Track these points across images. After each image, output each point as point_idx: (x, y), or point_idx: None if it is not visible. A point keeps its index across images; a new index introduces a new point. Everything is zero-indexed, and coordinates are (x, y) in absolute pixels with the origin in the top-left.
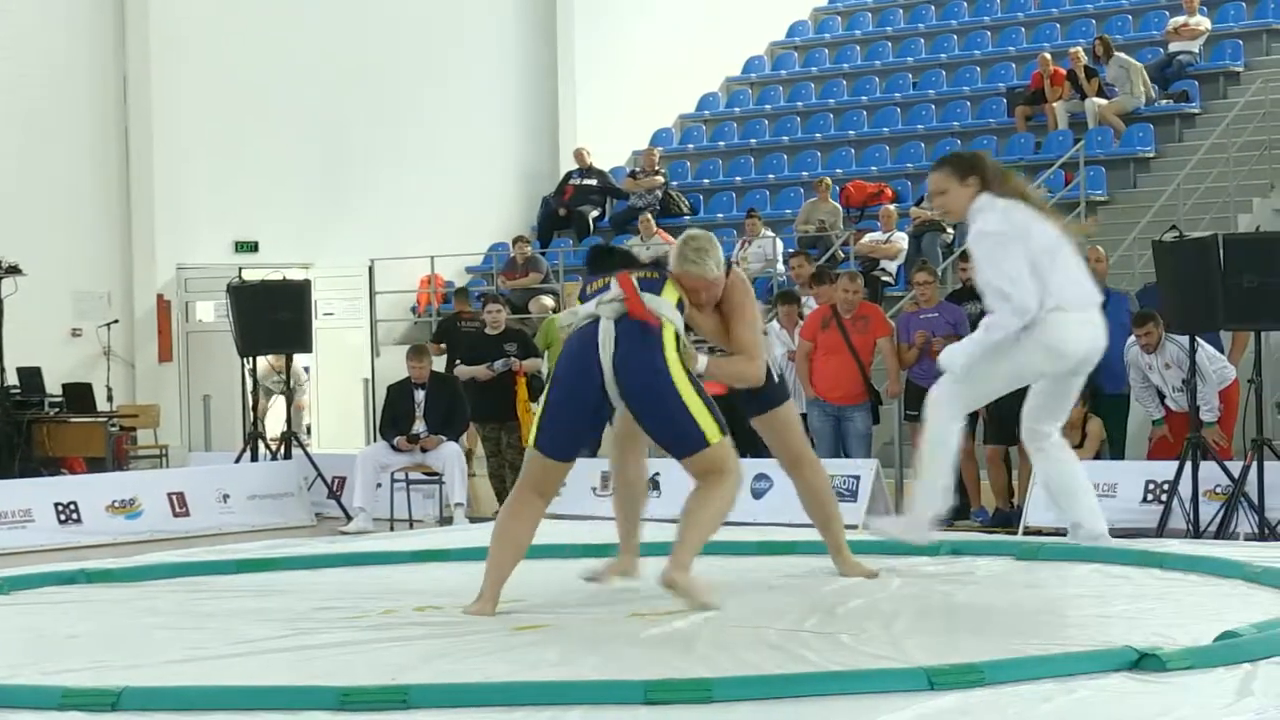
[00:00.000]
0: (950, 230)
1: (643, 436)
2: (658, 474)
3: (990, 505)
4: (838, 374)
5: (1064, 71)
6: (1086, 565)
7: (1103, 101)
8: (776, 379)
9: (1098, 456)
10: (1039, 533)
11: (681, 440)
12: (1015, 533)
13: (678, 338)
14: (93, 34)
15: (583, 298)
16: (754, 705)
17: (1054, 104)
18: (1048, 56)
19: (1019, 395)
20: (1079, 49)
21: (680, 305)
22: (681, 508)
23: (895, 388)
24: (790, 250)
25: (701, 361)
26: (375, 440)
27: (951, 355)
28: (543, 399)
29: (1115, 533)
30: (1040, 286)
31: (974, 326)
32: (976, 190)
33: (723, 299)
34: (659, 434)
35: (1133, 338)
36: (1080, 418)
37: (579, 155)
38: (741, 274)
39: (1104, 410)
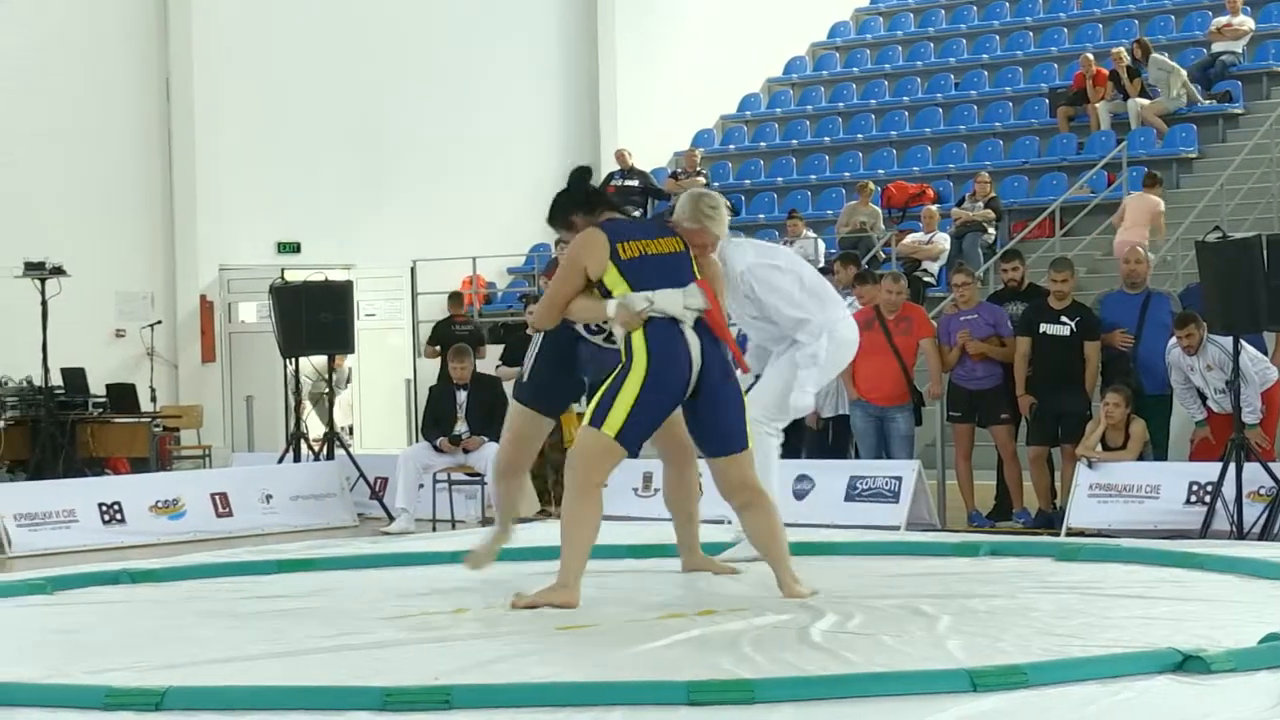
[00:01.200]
0: (992, 231)
1: (541, 436)
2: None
3: (1033, 506)
4: (880, 375)
5: (1106, 72)
6: (1129, 566)
7: (1145, 102)
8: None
9: (1140, 458)
10: (1081, 534)
11: (730, 439)
12: (1058, 534)
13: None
14: (135, 36)
15: (616, 259)
16: (796, 706)
17: (1096, 104)
18: (1090, 57)
19: (1064, 396)
20: (1121, 49)
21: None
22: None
23: (937, 389)
24: (832, 252)
25: (611, 306)
26: (417, 441)
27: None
28: (631, 395)
29: (1159, 534)
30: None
31: (1016, 325)
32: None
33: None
34: (715, 430)
35: (1174, 339)
36: (1124, 419)
37: (620, 156)
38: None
39: (1147, 412)
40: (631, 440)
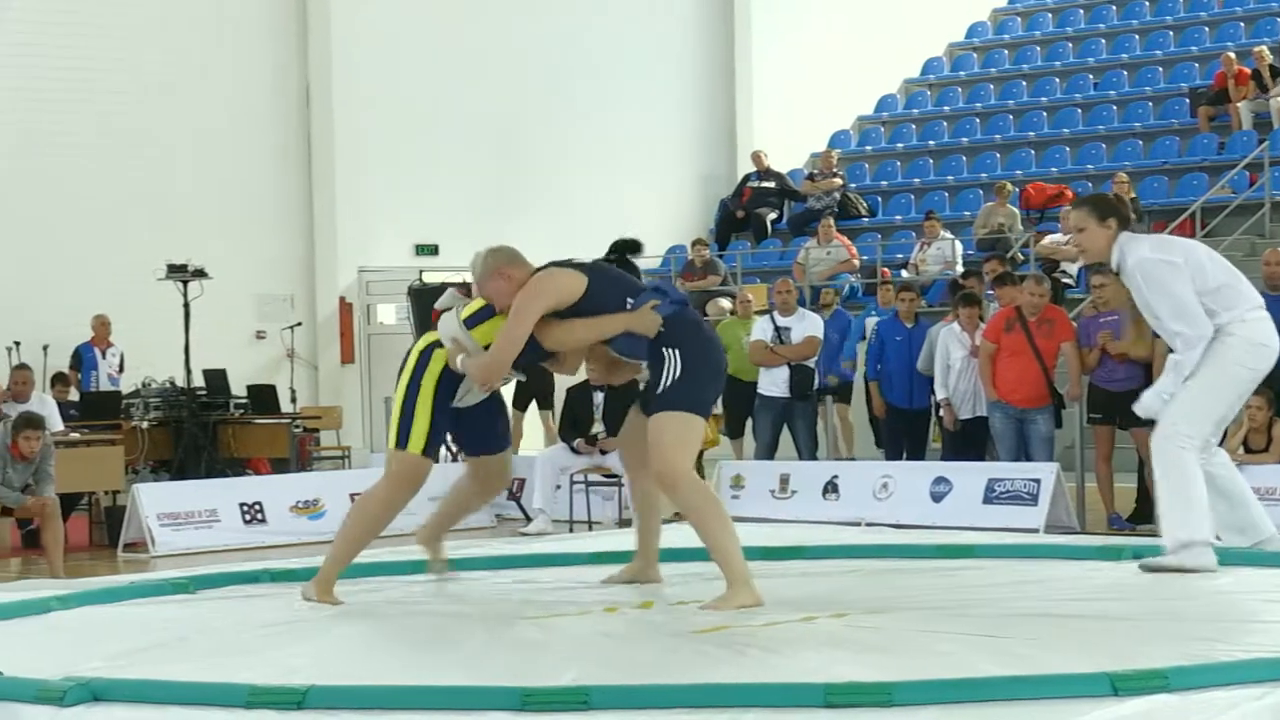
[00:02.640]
0: None
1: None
2: (836, 476)
3: None
4: (1021, 376)
5: (1248, 71)
6: (1273, 570)
7: None
8: (662, 388)
9: None
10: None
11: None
12: None
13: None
14: (276, 42)
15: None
16: (935, 710)
17: (1238, 104)
18: (1231, 55)
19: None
20: (1263, 47)
21: (482, 313)
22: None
23: (1076, 391)
24: (969, 253)
25: (459, 360)
26: (555, 442)
27: (1149, 404)
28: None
29: None
30: (1207, 307)
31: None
32: (1116, 231)
33: None
34: None
35: None
36: (1266, 422)
37: (757, 158)
38: (539, 275)
39: None
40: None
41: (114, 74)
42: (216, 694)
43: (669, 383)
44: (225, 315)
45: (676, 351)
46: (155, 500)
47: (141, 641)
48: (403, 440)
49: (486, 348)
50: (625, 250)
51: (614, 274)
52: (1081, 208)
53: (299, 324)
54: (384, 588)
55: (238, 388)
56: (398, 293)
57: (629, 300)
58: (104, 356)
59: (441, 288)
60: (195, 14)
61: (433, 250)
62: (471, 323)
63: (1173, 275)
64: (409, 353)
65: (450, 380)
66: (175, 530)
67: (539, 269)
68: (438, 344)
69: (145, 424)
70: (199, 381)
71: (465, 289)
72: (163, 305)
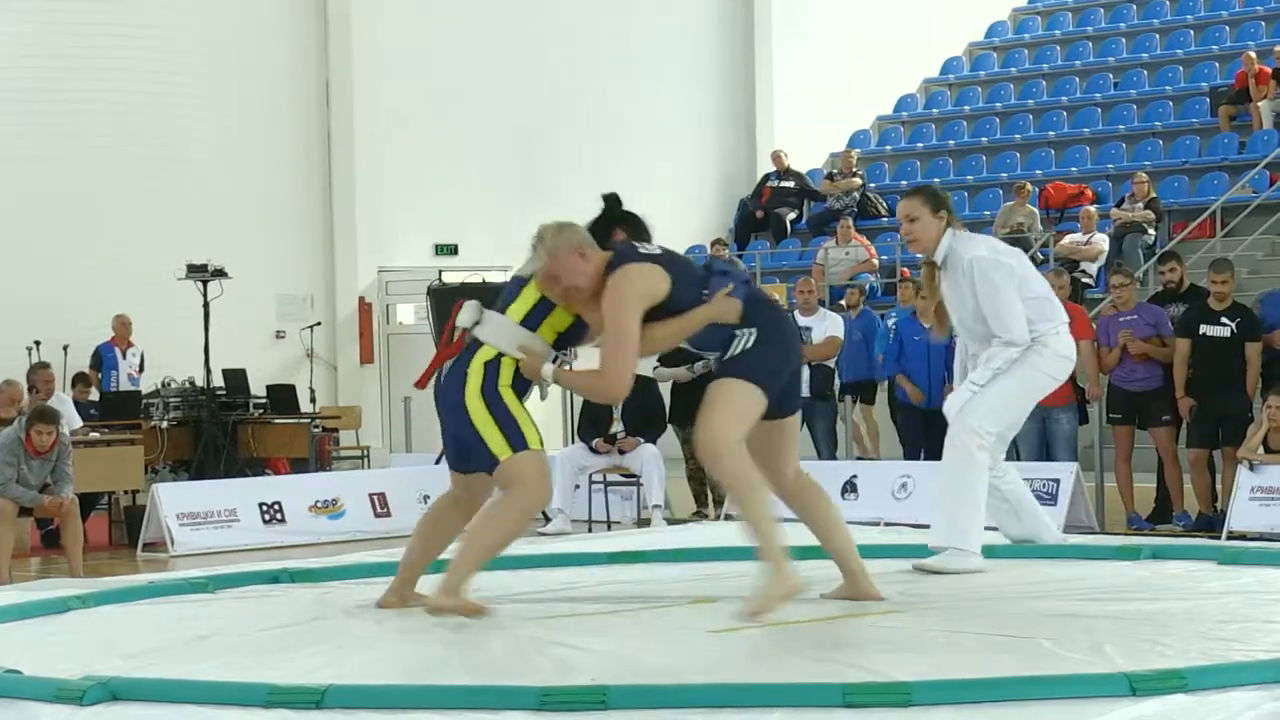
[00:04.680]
0: (1152, 232)
1: (777, 442)
2: (855, 476)
3: (1193, 510)
4: None
5: (1269, 70)
6: None
7: None
8: (730, 354)
9: None
10: (1243, 537)
11: (485, 461)
12: (1218, 537)
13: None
14: (295, 42)
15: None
16: (953, 709)
17: (1259, 103)
18: (1252, 55)
19: (1225, 399)
20: None
21: (540, 308)
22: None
23: (1096, 390)
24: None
25: (547, 369)
26: (574, 442)
27: (953, 402)
28: None
29: None
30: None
31: (1176, 326)
32: (946, 224)
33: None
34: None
35: None
36: None
37: (776, 158)
38: (625, 271)
39: None
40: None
41: (132, 74)
42: (235, 693)
43: (737, 351)
44: (245, 315)
45: (752, 333)
46: (174, 500)
47: (160, 641)
48: (517, 443)
49: (556, 344)
50: (617, 206)
51: (682, 262)
52: (915, 197)
53: (318, 324)
54: None
55: (257, 388)
56: (417, 293)
57: (703, 293)
58: (124, 356)
59: (460, 288)
60: (215, 14)
61: (452, 250)
62: (530, 323)
63: (1007, 277)
64: (463, 368)
65: (522, 386)
66: (194, 530)
67: (612, 260)
68: (500, 355)
69: (165, 424)
70: (218, 381)
71: (480, 292)
72: (182, 305)
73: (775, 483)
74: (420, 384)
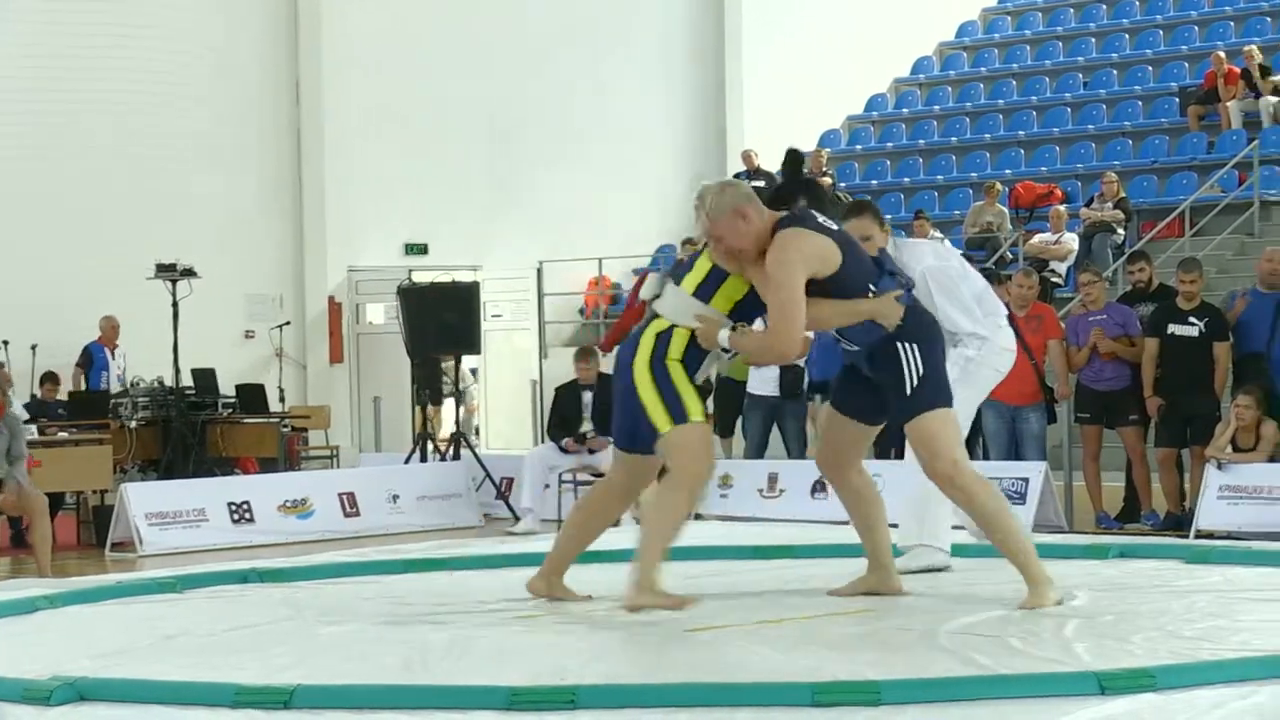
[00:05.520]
0: (1121, 231)
1: (853, 441)
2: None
3: (1161, 509)
4: (1012, 373)
5: (1238, 70)
6: (1260, 569)
7: (1275, 99)
8: (909, 388)
9: (1272, 460)
10: (1211, 536)
11: (651, 436)
12: (1187, 536)
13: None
14: (265, 40)
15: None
16: (922, 708)
17: (1228, 103)
18: (1221, 55)
19: (1193, 398)
20: (1253, 47)
21: (713, 277)
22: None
23: (1065, 390)
24: (959, 251)
25: (724, 334)
26: (543, 441)
27: None
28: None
29: None
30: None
31: (1145, 326)
32: (888, 236)
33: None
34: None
35: None
36: (1255, 421)
37: (747, 157)
38: (797, 233)
39: (1278, 412)
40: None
41: (102, 74)
42: (203, 693)
43: (915, 382)
44: (214, 315)
45: (915, 347)
46: (143, 499)
47: (128, 641)
48: (678, 414)
49: (733, 314)
50: (798, 166)
51: (857, 247)
52: (865, 216)
53: (288, 323)
54: (372, 587)
55: (226, 387)
56: (387, 292)
57: (871, 286)
58: (113, 356)
59: (430, 287)
60: (184, 13)
61: (422, 250)
62: (704, 294)
63: (958, 280)
64: (635, 339)
65: (694, 359)
66: (163, 530)
67: (784, 220)
68: (673, 327)
69: (133, 423)
70: (188, 381)
71: (449, 292)
72: (151, 305)
73: (842, 477)
74: (605, 347)
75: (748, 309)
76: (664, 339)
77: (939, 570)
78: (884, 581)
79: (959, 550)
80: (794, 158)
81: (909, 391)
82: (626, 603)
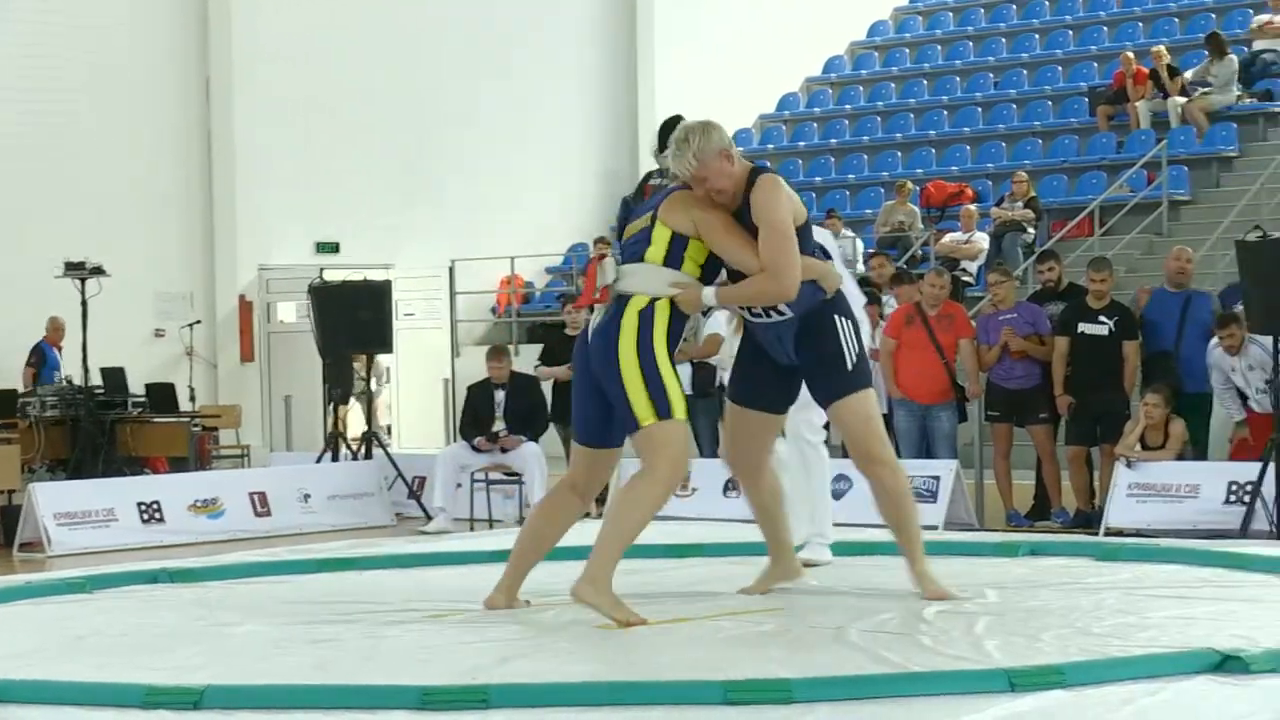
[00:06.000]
0: (1031, 230)
1: (763, 434)
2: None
3: (1071, 506)
4: (922, 371)
5: (1146, 70)
6: (1168, 566)
7: (1182, 100)
8: (851, 363)
9: (1180, 457)
10: (1120, 533)
11: (627, 423)
12: (1096, 534)
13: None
14: (175, 37)
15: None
16: (834, 706)
17: (1136, 103)
18: (1130, 55)
19: (1102, 396)
20: (1161, 47)
21: (678, 243)
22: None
23: (976, 388)
24: (870, 250)
25: (708, 293)
26: (455, 440)
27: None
28: None
29: (1198, 534)
30: None
31: (1055, 325)
32: None
33: (751, 211)
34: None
35: (1215, 339)
36: (1163, 419)
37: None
38: (771, 178)
39: (1186, 411)
40: (573, 428)
41: (8, 70)
42: (112, 694)
43: (854, 358)
44: (123, 313)
45: (849, 323)
46: (52, 499)
47: (37, 642)
48: (663, 409)
49: (701, 278)
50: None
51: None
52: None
53: (198, 322)
54: (283, 587)
55: (136, 386)
56: (298, 290)
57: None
58: (61, 355)
59: (342, 286)
60: (92, 7)
61: (334, 248)
62: (672, 263)
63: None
64: (615, 321)
65: (676, 333)
66: (72, 530)
67: (754, 168)
68: (655, 300)
69: (42, 423)
70: (97, 380)
71: (361, 291)
72: (60, 303)
73: (753, 475)
74: (579, 305)
75: (711, 271)
76: (647, 317)
77: (823, 565)
78: (788, 570)
79: (885, 549)
80: (671, 124)
81: (849, 367)
82: (576, 593)
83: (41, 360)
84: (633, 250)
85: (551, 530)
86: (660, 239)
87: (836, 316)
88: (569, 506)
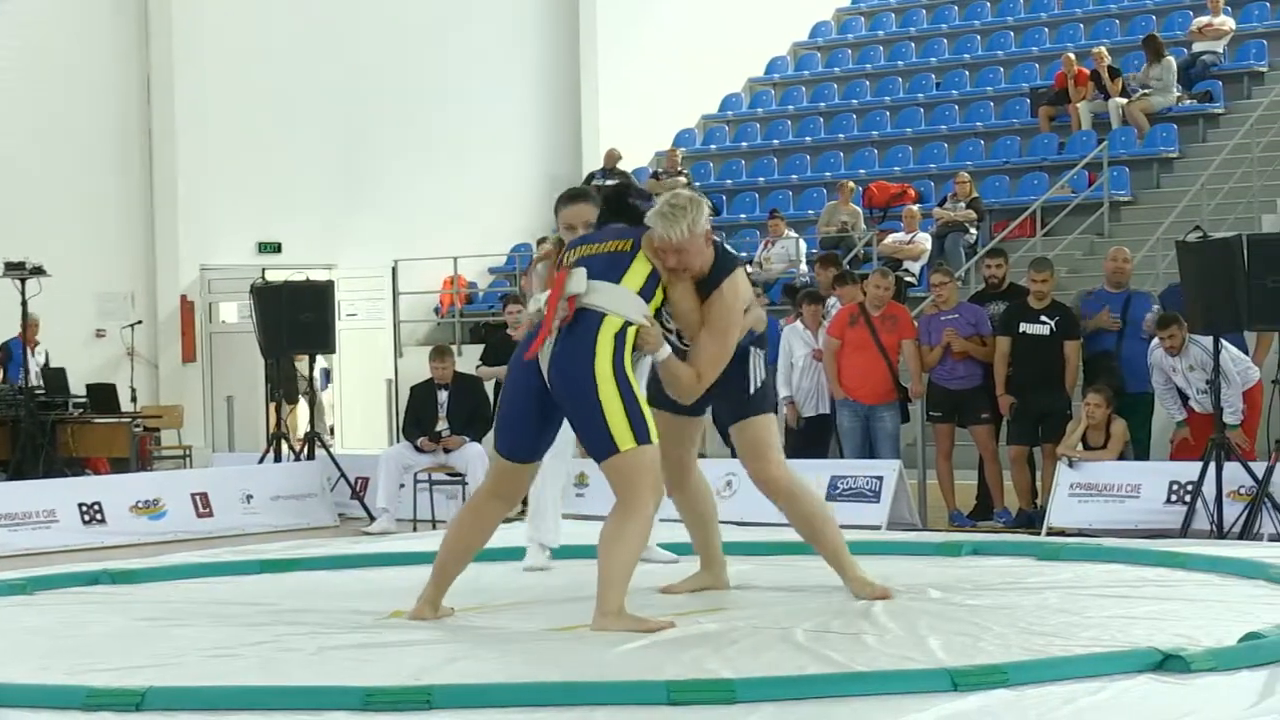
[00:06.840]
0: (974, 231)
1: (682, 438)
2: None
3: (1013, 506)
4: (866, 372)
5: (1087, 71)
6: (1110, 566)
7: (1123, 101)
8: (753, 389)
9: (1121, 457)
10: (1062, 533)
11: (596, 445)
12: (1038, 533)
13: (628, 326)
14: (115, 36)
15: (560, 265)
16: (777, 706)
17: (1078, 104)
18: (1071, 56)
19: (1044, 396)
20: (1102, 48)
21: (653, 280)
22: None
23: (918, 388)
24: (813, 251)
25: (662, 352)
26: (398, 441)
27: None
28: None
29: (1140, 534)
30: None
31: (996, 325)
32: None
33: (708, 285)
34: (580, 435)
35: (1156, 340)
36: (1104, 419)
37: (610, 155)
38: (739, 278)
39: (1128, 411)
40: (501, 445)
41: None
42: (53, 696)
43: (759, 384)
44: (64, 313)
45: (761, 355)
46: None
47: None
48: (642, 434)
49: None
50: (623, 197)
51: None
52: (584, 201)
53: (139, 322)
54: (226, 588)
55: (77, 387)
56: (240, 291)
57: None
58: (33, 353)
59: (284, 286)
60: (31, 5)
61: (276, 248)
62: (645, 296)
63: None
64: (588, 338)
65: (634, 358)
66: (12, 531)
67: (722, 258)
68: (627, 324)
69: None
70: (37, 381)
71: (304, 291)
72: (0, 303)
73: (681, 478)
74: (528, 355)
75: (661, 316)
76: (621, 340)
77: (544, 570)
78: (716, 578)
79: (806, 549)
80: (620, 191)
81: (751, 393)
82: (597, 628)
83: (8, 358)
84: (600, 269)
85: (477, 539)
86: (639, 272)
87: (751, 347)
88: (493, 513)
